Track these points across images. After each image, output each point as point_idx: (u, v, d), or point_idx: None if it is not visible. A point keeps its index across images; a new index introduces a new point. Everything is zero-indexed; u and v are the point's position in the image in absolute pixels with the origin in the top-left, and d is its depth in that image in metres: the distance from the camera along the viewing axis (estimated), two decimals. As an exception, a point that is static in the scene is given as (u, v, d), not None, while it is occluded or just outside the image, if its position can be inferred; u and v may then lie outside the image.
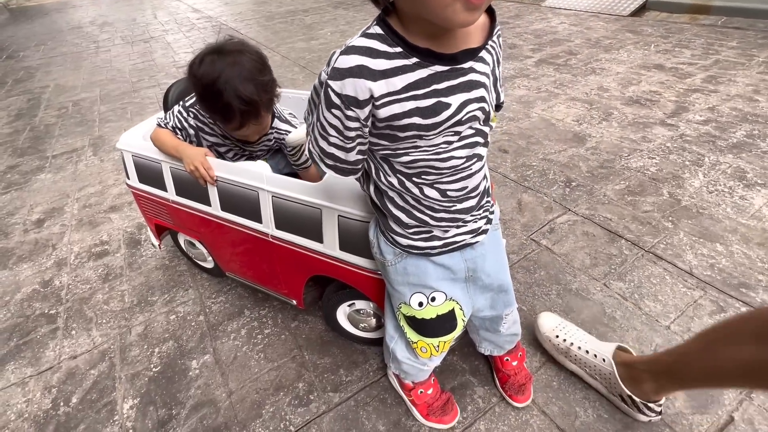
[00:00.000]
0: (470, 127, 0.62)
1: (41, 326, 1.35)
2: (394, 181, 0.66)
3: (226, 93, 0.91)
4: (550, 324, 1.10)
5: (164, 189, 1.19)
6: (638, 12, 4.35)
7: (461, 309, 0.80)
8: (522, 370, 1.02)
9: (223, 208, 1.09)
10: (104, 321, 1.34)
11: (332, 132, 0.59)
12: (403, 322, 0.84)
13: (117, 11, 8.13)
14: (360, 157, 0.63)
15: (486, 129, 0.65)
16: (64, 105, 3.35)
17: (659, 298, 1.22)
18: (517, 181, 1.82)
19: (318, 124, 0.60)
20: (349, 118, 0.56)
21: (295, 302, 1.17)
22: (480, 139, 0.64)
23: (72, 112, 3.18)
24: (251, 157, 1.23)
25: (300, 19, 5.49)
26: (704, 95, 2.43)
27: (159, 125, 1.11)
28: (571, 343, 1.03)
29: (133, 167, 1.24)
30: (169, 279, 1.48)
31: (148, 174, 1.21)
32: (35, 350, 1.27)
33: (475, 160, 0.66)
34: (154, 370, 1.17)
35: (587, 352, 1.00)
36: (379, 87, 0.53)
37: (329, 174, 0.92)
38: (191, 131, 1.11)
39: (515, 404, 0.99)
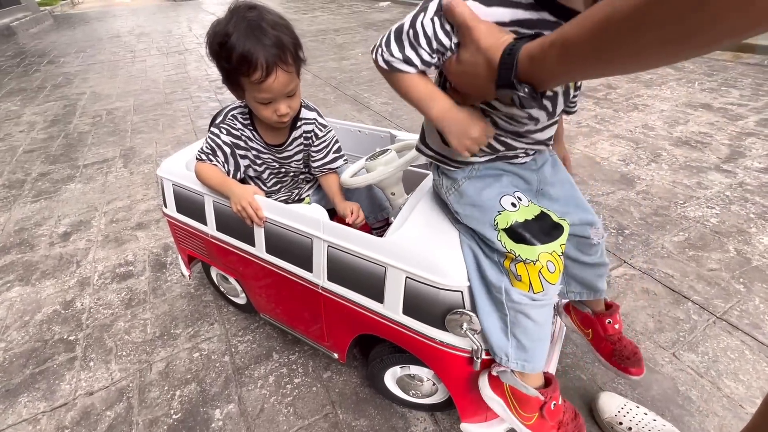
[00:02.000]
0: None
1: (59, 354, 1.28)
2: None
3: (248, 36, 0.84)
4: (612, 407, 0.97)
5: (204, 222, 1.12)
6: (677, 47, 4.25)
7: (550, 211, 0.75)
8: (624, 337, 0.92)
9: (269, 251, 1.01)
10: (124, 353, 1.26)
11: (423, 42, 0.58)
12: (510, 245, 0.70)
13: (154, 22, 8.43)
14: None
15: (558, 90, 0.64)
16: (98, 113, 3.39)
17: (740, 378, 1.07)
18: (563, 224, 1.71)
19: (412, 32, 0.59)
20: (447, 34, 0.56)
21: (336, 356, 1.07)
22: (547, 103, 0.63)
23: (105, 120, 3.22)
24: (288, 175, 1.15)
25: (331, 39, 5.56)
26: (760, 140, 2.29)
27: (199, 159, 1.05)
28: None
29: (172, 196, 1.17)
30: (194, 310, 1.40)
31: (188, 205, 1.14)
32: (50, 381, 1.19)
33: (531, 122, 0.65)
34: (174, 417, 1.07)
35: None
36: (492, 12, 0.54)
37: (397, 229, 0.84)
38: (227, 149, 1.05)
39: (632, 377, 0.88)
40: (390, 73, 0.64)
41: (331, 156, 1.14)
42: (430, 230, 0.82)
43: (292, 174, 1.17)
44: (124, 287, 1.52)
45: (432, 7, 0.57)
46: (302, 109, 1.09)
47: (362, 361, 1.17)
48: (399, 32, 0.61)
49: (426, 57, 0.60)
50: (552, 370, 0.97)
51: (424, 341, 0.83)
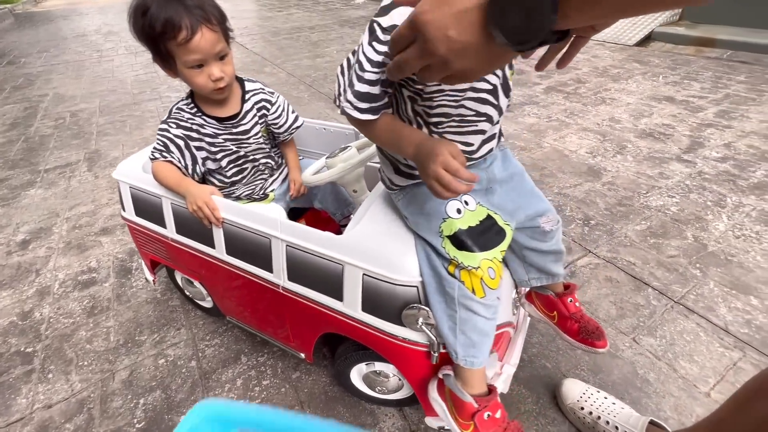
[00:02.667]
0: (483, 78, 0.65)
1: (15, 367, 1.22)
2: (411, 116, 0.70)
3: (168, 2, 0.86)
4: (574, 392, 1.00)
5: (163, 225, 1.09)
6: (643, 42, 4.38)
7: (497, 214, 0.78)
8: (586, 315, 0.96)
9: (229, 252, 0.99)
10: (86, 363, 1.22)
11: (368, 67, 0.60)
12: (453, 252, 0.72)
13: (123, 20, 8.10)
14: (389, 90, 0.64)
15: (498, 85, 0.67)
16: (61, 115, 3.26)
17: (695, 359, 1.12)
18: (532, 216, 1.74)
19: (357, 67, 0.62)
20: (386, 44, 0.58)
21: (303, 356, 1.06)
22: (491, 98, 0.67)
23: (69, 123, 3.09)
24: (248, 161, 1.13)
25: (306, 36, 5.50)
26: (719, 131, 2.38)
27: (152, 158, 1.02)
28: (599, 417, 0.93)
29: (130, 199, 1.14)
30: (160, 315, 1.37)
31: (147, 208, 1.11)
32: (5, 396, 1.14)
33: (484, 119, 0.69)
34: (137, 426, 1.05)
35: (617, 428, 0.90)
36: None
37: (353, 227, 0.83)
38: (180, 142, 1.02)
39: (599, 350, 0.92)
40: (356, 122, 0.67)
41: (291, 117, 1.16)
42: (386, 227, 0.83)
43: (252, 158, 1.13)
44: (87, 295, 1.47)
45: (365, 37, 0.61)
46: (246, 83, 1.10)
47: (331, 360, 1.16)
48: (348, 78, 0.64)
49: (379, 80, 0.61)
50: (516, 359, 0.99)
51: (384, 338, 0.83)
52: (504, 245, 0.76)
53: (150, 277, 1.32)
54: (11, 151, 2.69)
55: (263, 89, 1.12)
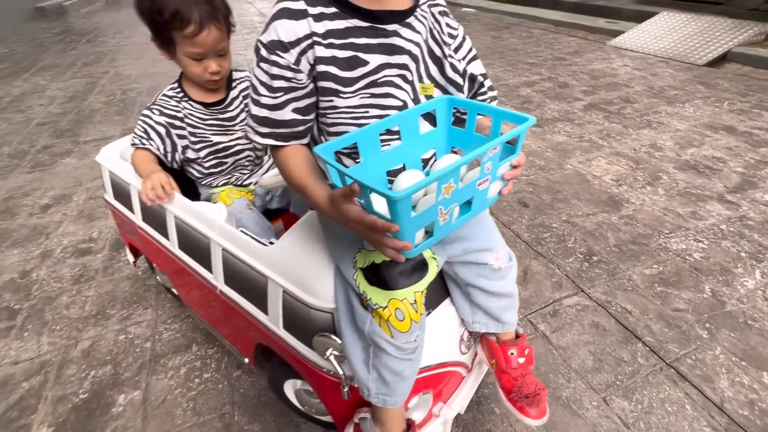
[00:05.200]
0: (388, 94, 0.62)
1: (0, 321, 1.33)
2: (316, 134, 0.68)
3: None
4: None
5: (132, 211, 1.12)
6: (717, 62, 3.92)
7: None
8: (530, 373, 0.85)
9: (180, 247, 1.00)
10: (58, 328, 1.30)
11: (262, 90, 0.59)
12: (363, 286, 0.65)
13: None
14: (298, 116, 0.61)
15: (408, 101, 0.64)
16: (114, 92, 3.54)
17: (671, 435, 0.96)
18: (529, 243, 1.60)
19: (251, 90, 0.61)
20: (275, 64, 0.56)
21: (247, 361, 1.04)
22: (397, 112, 0.63)
23: (118, 100, 3.35)
24: (230, 155, 1.12)
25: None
26: (780, 171, 2.06)
27: (133, 144, 1.06)
28: None
29: (109, 183, 1.19)
30: (134, 292, 1.42)
31: (121, 192, 1.16)
32: (-15, 346, 1.25)
33: (396, 138, 0.65)
34: (81, 396, 1.09)
35: None
36: (302, 27, 0.56)
37: (281, 241, 0.80)
38: (161, 130, 1.04)
39: (527, 420, 0.79)
40: (272, 150, 0.65)
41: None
42: (312, 244, 0.78)
43: (234, 151, 1.13)
44: (79, 263, 1.57)
45: (254, 60, 0.60)
46: (232, 71, 1.10)
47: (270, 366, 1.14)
48: (255, 101, 0.61)
49: (289, 85, 0.59)
50: (462, 403, 0.91)
51: (302, 361, 0.79)
52: (423, 284, 0.67)
53: (131, 259, 1.37)
54: (63, 121, 2.96)
55: (250, 77, 1.11)
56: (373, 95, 0.61)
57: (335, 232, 0.71)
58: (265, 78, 0.58)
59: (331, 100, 0.61)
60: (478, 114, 0.63)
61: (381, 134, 0.61)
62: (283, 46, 0.56)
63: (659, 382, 1.08)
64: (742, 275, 1.42)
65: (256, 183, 1.20)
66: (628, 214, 1.77)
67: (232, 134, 1.11)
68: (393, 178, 0.65)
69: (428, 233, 0.56)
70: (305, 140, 0.65)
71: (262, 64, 0.58)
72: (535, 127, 2.63)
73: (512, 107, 2.98)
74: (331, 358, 0.73)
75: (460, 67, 0.68)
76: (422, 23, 0.62)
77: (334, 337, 0.72)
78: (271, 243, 0.81)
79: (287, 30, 0.55)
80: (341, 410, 0.84)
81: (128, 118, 2.97)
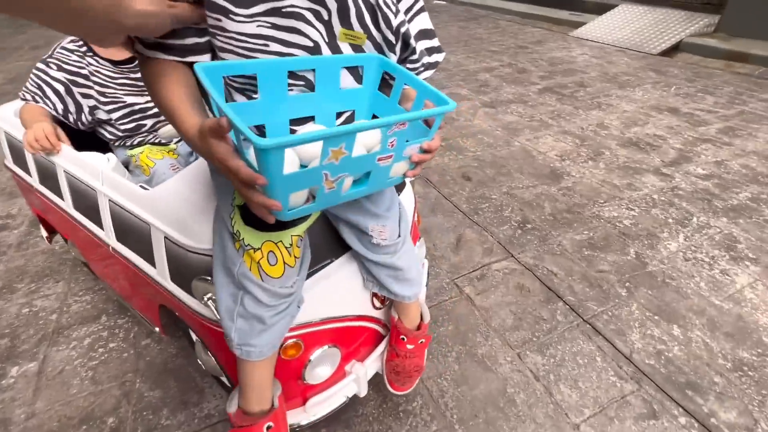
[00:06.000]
0: (294, 29, 0.51)
1: None
2: None
3: None
4: None
5: (30, 174, 1.05)
6: (670, 52, 4.05)
7: None
8: (415, 357, 0.84)
9: (75, 207, 0.93)
10: (-44, 303, 1.21)
11: None
12: (238, 225, 0.60)
13: None
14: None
15: (321, 43, 0.53)
16: (59, 75, 3.36)
17: (579, 385, 0.97)
18: (466, 213, 1.60)
19: None
20: None
21: (157, 330, 0.98)
22: (307, 54, 0.53)
23: (62, 82, 3.19)
24: (148, 115, 1.05)
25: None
26: (715, 147, 2.13)
27: (23, 99, 0.98)
28: None
29: (6, 145, 1.11)
30: (47, 266, 1.34)
31: (19, 155, 1.07)
32: None
33: (302, 84, 0.55)
34: (-30, 369, 1.02)
35: None
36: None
37: (164, 184, 0.74)
38: (59, 87, 0.96)
39: (389, 388, 0.85)
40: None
41: None
42: (199, 187, 0.74)
43: (152, 114, 1.05)
44: (-8, 239, 1.47)
45: None
46: None
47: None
48: None
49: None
50: (377, 361, 0.88)
51: (188, 312, 0.74)
52: (301, 228, 0.63)
53: (44, 233, 1.29)
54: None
55: None
56: (275, 26, 0.50)
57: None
58: None
59: (219, 20, 0.48)
60: (405, 84, 0.56)
61: (288, 74, 0.52)
62: None
63: (574, 337, 1.09)
64: (666, 239, 1.46)
65: (178, 143, 1.13)
66: (567, 186, 1.79)
67: (146, 95, 1.03)
68: (296, 128, 0.57)
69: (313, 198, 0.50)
70: (203, 57, 0.52)
71: None
72: (489, 108, 2.65)
73: (469, 90, 2.99)
74: (210, 303, 0.69)
75: (395, 22, 0.55)
76: None
77: (211, 279, 0.68)
78: None
79: None
80: (233, 364, 0.80)
81: (71, 99, 2.83)
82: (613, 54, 4.03)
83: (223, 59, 0.52)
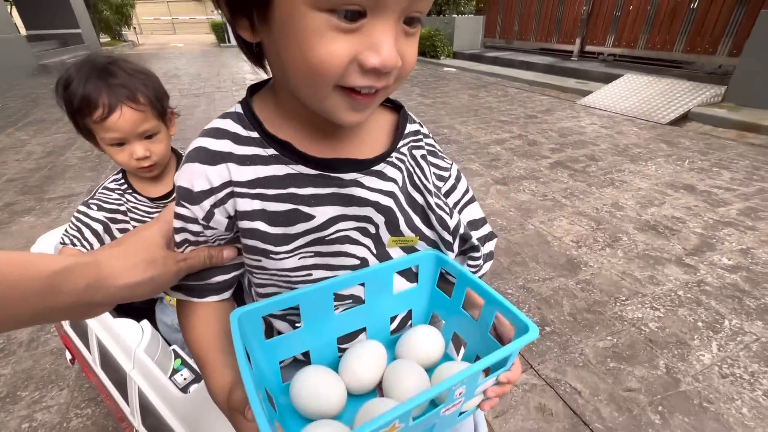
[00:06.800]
0: (340, 252, 0.47)
1: None
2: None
3: (90, 77, 0.82)
4: None
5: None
6: (679, 121, 4.11)
7: None
8: None
9: (102, 367, 0.91)
10: (-42, 414, 1.19)
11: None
12: None
13: (191, 65, 9.20)
14: (215, 271, 0.48)
15: (369, 257, 0.49)
16: (92, 147, 3.59)
17: None
18: (481, 311, 1.55)
19: None
20: (179, 217, 0.44)
21: None
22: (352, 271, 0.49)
23: (94, 155, 3.39)
24: None
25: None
26: (738, 232, 2.07)
27: (62, 243, 0.98)
28: None
29: None
30: (53, 370, 1.32)
31: None
32: None
33: (350, 301, 0.51)
34: (-42, 502, 0.97)
35: None
36: (219, 172, 0.42)
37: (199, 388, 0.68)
38: (98, 227, 0.97)
39: None
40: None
41: None
42: None
43: None
44: (4, 335, 1.48)
45: None
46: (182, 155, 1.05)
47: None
48: None
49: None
50: None
51: None
52: None
53: (68, 356, 1.26)
54: (33, 177, 2.97)
55: None
56: (319, 254, 0.47)
57: None
58: (177, 224, 0.46)
59: (259, 260, 0.46)
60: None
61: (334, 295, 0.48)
62: (191, 197, 0.42)
63: (606, 480, 0.98)
64: (698, 348, 1.36)
65: None
66: (586, 278, 1.74)
67: None
68: (345, 346, 0.52)
69: None
70: (226, 294, 0.51)
71: (176, 208, 0.45)
72: (501, 185, 2.67)
73: (481, 165, 3.05)
74: None
75: (451, 223, 0.51)
76: (398, 168, 0.48)
77: None
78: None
79: (197, 175, 0.42)
80: None
81: (100, 174, 2.99)
82: (623, 123, 4.11)
83: (258, 292, 0.51)
